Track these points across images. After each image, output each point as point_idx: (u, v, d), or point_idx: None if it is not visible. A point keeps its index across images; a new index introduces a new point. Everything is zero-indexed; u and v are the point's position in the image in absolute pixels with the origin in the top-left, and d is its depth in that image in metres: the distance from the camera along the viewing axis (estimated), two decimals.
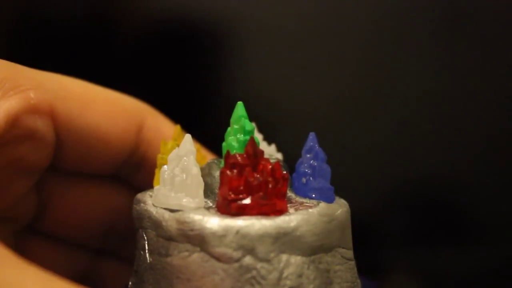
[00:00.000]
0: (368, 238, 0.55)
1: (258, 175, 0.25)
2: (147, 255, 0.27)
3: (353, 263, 0.28)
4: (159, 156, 0.29)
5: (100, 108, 0.31)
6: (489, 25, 0.55)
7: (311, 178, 0.28)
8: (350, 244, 0.28)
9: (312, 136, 0.28)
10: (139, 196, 0.28)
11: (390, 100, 0.56)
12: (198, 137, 0.33)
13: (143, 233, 0.27)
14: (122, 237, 0.34)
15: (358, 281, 0.28)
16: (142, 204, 0.27)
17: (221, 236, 0.24)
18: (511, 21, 0.55)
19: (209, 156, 0.33)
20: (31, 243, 0.32)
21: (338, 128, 0.56)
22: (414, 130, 0.57)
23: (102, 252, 0.35)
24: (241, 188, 0.25)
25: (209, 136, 0.33)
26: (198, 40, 0.56)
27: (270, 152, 0.32)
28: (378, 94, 0.56)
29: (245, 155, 0.25)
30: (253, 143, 0.26)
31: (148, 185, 0.31)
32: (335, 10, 0.55)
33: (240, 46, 0.56)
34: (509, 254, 0.55)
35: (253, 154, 0.26)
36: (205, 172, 0.28)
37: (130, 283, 0.28)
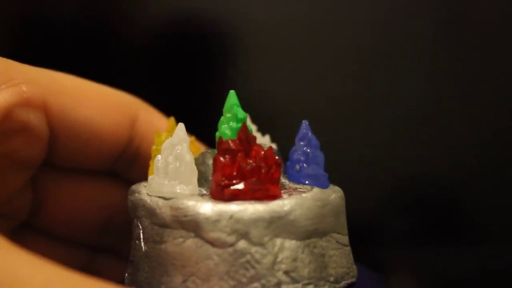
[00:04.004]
0: (368, 238, 0.55)
1: (251, 161, 0.25)
2: (142, 243, 0.27)
3: (348, 249, 0.28)
4: (153, 148, 0.29)
5: (93, 102, 0.31)
6: (488, 26, 0.55)
7: (304, 165, 0.28)
8: (345, 230, 0.28)
9: (305, 124, 0.28)
10: (134, 187, 0.28)
11: (389, 99, 0.57)
12: (193, 131, 0.33)
13: (138, 222, 0.27)
14: (119, 233, 0.34)
15: (354, 267, 0.28)
16: (136, 194, 0.27)
17: (215, 221, 0.24)
18: (511, 21, 0.55)
19: (203, 148, 0.33)
20: (27, 241, 0.32)
21: (337, 127, 0.56)
22: (414, 130, 0.57)
23: (99, 249, 0.35)
24: (234, 173, 0.25)
25: (204, 129, 0.33)
26: (192, 35, 0.56)
27: (264, 142, 0.32)
28: (378, 93, 0.56)
29: (237, 141, 0.26)
30: (245, 129, 0.26)
31: (143, 179, 0.31)
32: (334, 8, 0.55)
33: (234, 40, 0.56)
34: (509, 254, 0.55)
35: (246, 139, 0.26)
36: (199, 162, 0.28)
37: (126, 274, 0.28)
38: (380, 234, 0.57)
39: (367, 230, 0.55)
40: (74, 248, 0.34)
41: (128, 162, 0.34)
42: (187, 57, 0.56)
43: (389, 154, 0.57)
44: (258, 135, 0.33)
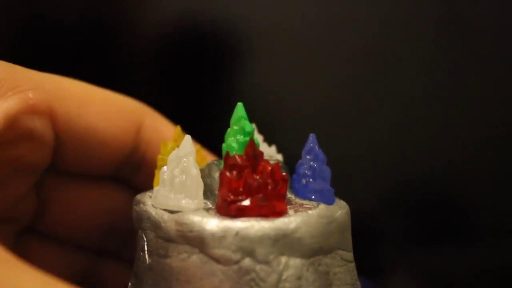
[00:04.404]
0: (368, 238, 0.55)
1: (257, 177, 0.25)
2: (146, 256, 0.26)
3: (352, 265, 0.28)
4: (159, 157, 0.29)
5: (99, 108, 0.31)
6: (489, 25, 0.55)
7: (311, 180, 0.28)
8: (350, 246, 0.28)
9: (312, 137, 0.28)
10: (139, 197, 0.28)
11: (390, 101, 0.56)
12: (199, 138, 0.33)
13: (143, 234, 0.27)
14: (122, 238, 0.34)
15: (358, 283, 0.28)
16: (141, 205, 0.27)
17: (220, 237, 0.24)
18: (511, 21, 0.55)
19: (209, 157, 0.33)
20: (31, 244, 0.32)
21: (339, 128, 0.56)
22: (414, 130, 0.56)
23: (103, 253, 0.35)
24: (241, 189, 0.25)
25: (210, 137, 0.33)
26: (199, 42, 0.56)
27: (271, 153, 0.32)
28: (378, 95, 0.56)
29: (244, 156, 0.25)
30: (252, 144, 0.26)
31: (147, 185, 0.31)
32: (336, 14, 0.55)
33: (241, 48, 0.56)
34: (509, 254, 0.55)
35: (253, 155, 0.25)
36: (205, 173, 0.28)
37: (129, 284, 0.28)
38: (380, 234, 0.57)
39: (367, 230, 0.55)
40: (78, 252, 0.34)
41: (133, 168, 0.33)
42: (194, 63, 0.56)
43: (389, 154, 0.57)
44: (264, 145, 0.33)
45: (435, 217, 0.57)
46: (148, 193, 0.28)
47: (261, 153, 0.26)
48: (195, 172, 0.26)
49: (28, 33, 0.55)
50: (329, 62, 0.56)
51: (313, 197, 0.27)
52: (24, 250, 0.31)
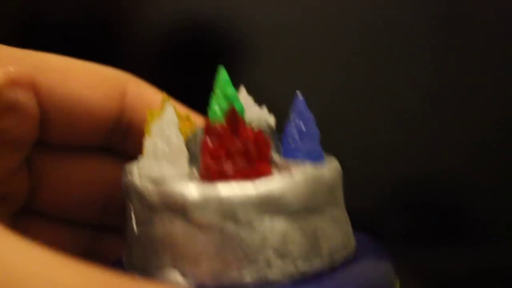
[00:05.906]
0: None
1: (239, 142, 0.25)
2: (135, 226, 0.27)
3: (345, 224, 0.27)
4: (147, 125, 0.29)
5: (81, 77, 0.31)
6: (489, 25, 0.54)
7: (298, 140, 0.27)
8: (341, 205, 0.27)
9: (299, 97, 0.28)
10: (127, 166, 0.28)
11: (390, 101, 0.56)
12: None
13: (130, 204, 0.27)
14: (120, 210, 0.33)
15: (353, 243, 0.28)
16: (128, 175, 0.27)
17: (202, 204, 0.24)
18: (511, 21, 0.55)
19: (199, 124, 0.32)
20: (30, 225, 0.32)
21: (339, 128, 0.55)
22: (415, 130, 0.56)
23: (103, 227, 0.35)
24: (222, 155, 0.25)
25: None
26: (200, 41, 0.56)
27: (262, 113, 0.32)
28: (379, 95, 0.56)
29: (225, 124, 0.25)
30: (233, 111, 0.25)
31: (138, 153, 0.30)
32: (338, 14, 0.55)
33: (241, 47, 0.56)
34: (509, 254, 0.55)
35: (233, 121, 0.25)
36: (191, 141, 0.28)
37: (123, 256, 0.28)
38: (380, 234, 0.57)
39: (367, 230, 0.55)
40: (78, 229, 0.34)
41: (121, 136, 0.33)
42: (194, 61, 0.56)
43: (390, 154, 0.56)
44: (256, 107, 0.32)
45: (435, 217, 0.57)
46: (136, 163, 0.28)
47: (242, 120, 0.26)
48: (177, 141, 0.26)
49: (27, 32, 0.55)
50: (330, 61, 0.56)
51: (300, 157, 0.27)
52: (23, 231, 0.31)
